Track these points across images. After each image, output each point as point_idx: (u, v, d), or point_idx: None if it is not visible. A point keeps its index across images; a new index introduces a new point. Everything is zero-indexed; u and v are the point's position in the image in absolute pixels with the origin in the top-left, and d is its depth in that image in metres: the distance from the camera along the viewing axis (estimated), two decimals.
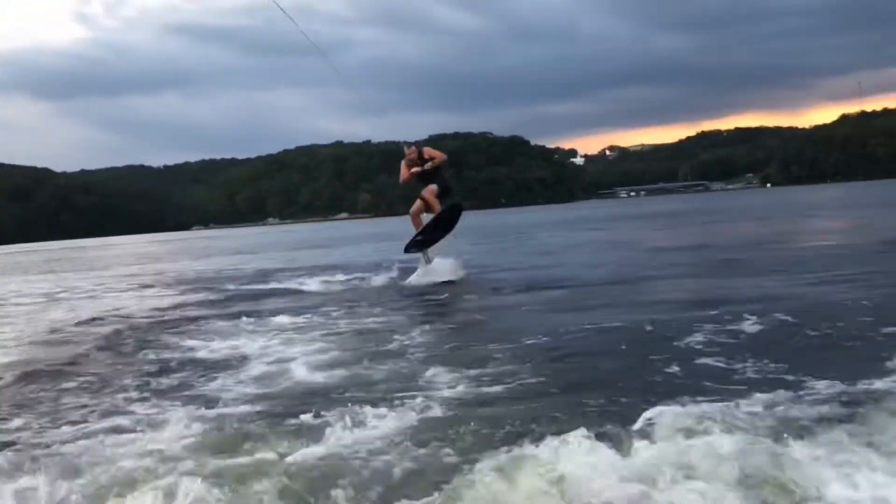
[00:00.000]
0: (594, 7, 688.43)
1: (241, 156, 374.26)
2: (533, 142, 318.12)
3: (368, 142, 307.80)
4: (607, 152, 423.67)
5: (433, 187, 18.02)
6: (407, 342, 10.21)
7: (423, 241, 18.33)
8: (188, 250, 60.17)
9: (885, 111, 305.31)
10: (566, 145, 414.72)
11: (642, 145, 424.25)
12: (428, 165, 18.03)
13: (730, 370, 7.19)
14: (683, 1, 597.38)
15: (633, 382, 6.84)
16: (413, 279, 17.75)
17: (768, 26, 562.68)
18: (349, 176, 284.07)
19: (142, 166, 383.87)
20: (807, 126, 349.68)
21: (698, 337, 8.76)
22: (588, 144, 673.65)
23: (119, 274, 32.39)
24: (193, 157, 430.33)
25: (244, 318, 13.42)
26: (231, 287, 20.66)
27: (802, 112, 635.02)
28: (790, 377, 6.75)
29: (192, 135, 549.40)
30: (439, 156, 18.31)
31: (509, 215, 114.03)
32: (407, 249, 18.70)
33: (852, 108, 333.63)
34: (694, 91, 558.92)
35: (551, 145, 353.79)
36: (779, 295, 11.80)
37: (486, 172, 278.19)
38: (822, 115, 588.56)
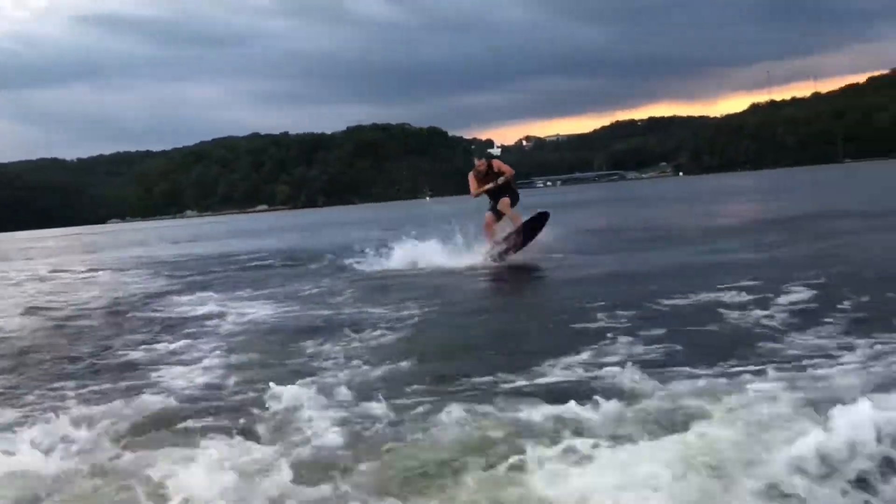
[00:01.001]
0: None
1: (156, 148, 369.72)
2: (451, 133, 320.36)
3: (286, 133, 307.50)
4: (524, 142, 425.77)
5: (507, 200, 18.25)
6: (336, 301, 12.85)
7: (507, 251, 18.09)
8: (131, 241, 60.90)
9: (794, 100, 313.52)
10: (483, 136, 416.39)
11: (558, 135, 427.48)
12: (501, 180, 18.31)
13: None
14: None
15: (528, 344, 8.87)
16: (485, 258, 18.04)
17: (680, 16, 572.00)
18: (267, 167, 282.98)
19: (55, 159, 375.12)
20: (718, 115, 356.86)
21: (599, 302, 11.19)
22: (505, 135, 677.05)
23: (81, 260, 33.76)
24: (107, 150, 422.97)
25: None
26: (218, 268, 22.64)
27: (714, 101, 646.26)
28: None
29: (105, 127, 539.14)
30: (508, 170, 18.66)
31: (429, 205, 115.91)
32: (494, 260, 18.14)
33: (762, 97, 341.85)
34: (608, 81, 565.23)
35: (469, 136, 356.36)
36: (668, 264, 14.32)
37: (405, 163, 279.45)
38: (733, 104, 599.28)
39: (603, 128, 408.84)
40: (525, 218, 18.25)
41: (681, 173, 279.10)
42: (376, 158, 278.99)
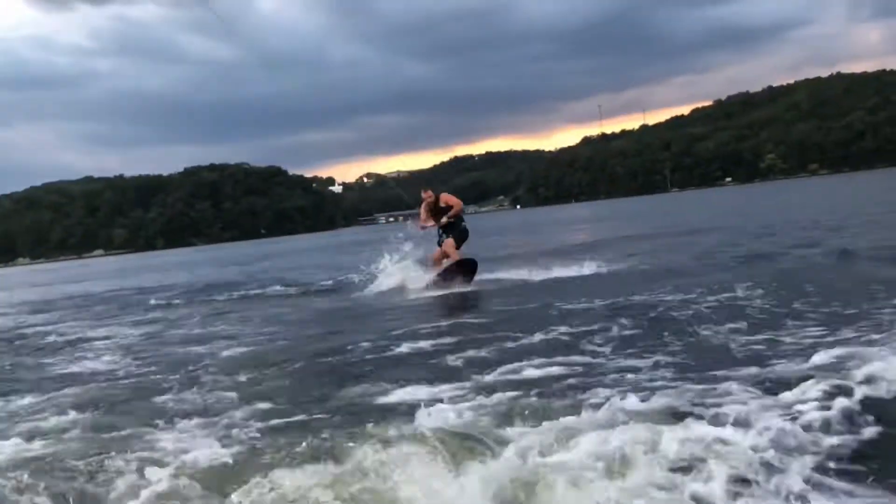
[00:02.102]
0: (344, 35, 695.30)
1: None
2: (291, 171, 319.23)
3: (121, 175, 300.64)
4: (365, 179, 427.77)
5: (451, 241, 19.15)
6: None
7: (445, 281, 19.10)
8: None
9: (623, 132, 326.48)
10: (324, 174, 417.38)
11: (399, 172, 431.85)
12: (448, 217, 19.21)
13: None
14: (431, 28, 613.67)
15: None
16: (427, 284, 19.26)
17: (514, 52, 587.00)
18: (103, 211, 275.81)
19: None
20: (553, 149, 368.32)
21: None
22: (346, 172, 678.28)
23: None
24: None
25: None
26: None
27: (548, 134, 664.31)
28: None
29: None
30: (456, 203, 19.41)
31: (271, 244, 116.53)
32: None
33: (594, 130, 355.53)
34: (446, 117, 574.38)
35: (309, 174, 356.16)
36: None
37: (244, 203, 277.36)
38: (567, 137, 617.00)
39: (443, 163, 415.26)
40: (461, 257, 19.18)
41: (518, 206, 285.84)
42: (215, 199, 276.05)
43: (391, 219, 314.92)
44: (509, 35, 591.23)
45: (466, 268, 19.04)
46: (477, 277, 18.95)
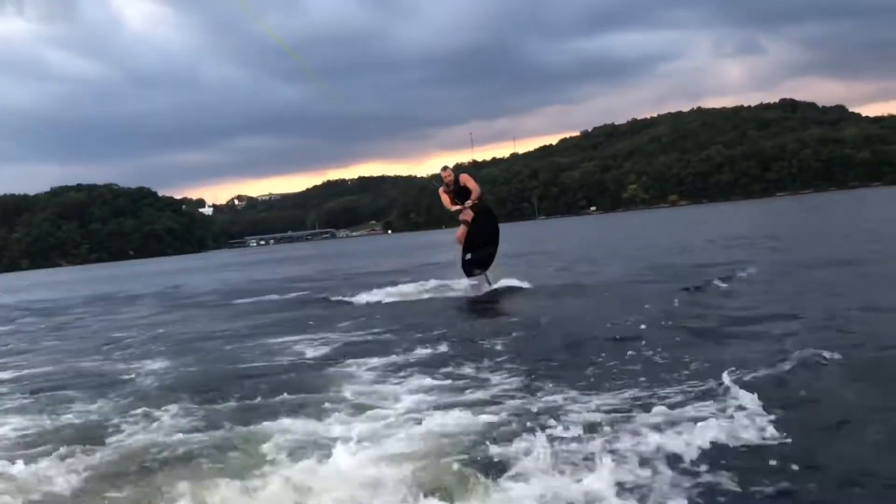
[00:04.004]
0: (215, 55, 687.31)
1: None
2: (161, 192, 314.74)
3: None
4: (236, 202, 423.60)
5: (469, 212, 18.72)
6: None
7: (475, 261, 19.06)
8: None
9: (494, 160, 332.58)
10: (194, 195, 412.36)
11: (270, 194, 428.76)
12: (469, 203, 18.65)
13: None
14: (305, 52, 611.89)
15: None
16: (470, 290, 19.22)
17: (389, 78, 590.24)
18: None
19: None
20: (425, 175, 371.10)
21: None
22: (216, 194, 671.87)
23: None
24: None
25: None
26: None
27: (421, 160, 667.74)
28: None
29: None
30: (474, 188, 18.81)
31: (139, 265, 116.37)
32: (468, 273, 19.20)
33: (466, 157, 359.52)
34: (319, 141, 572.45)
35: (179, 195, 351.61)
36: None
37: (112, 224, 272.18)
38: (439, 163, 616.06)
39: (315, 187, 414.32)
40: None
41: (390, 231, 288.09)
42: (83, 220, 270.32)
43: (262, 242, 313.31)
44: (384, 62, 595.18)
45: (483, 226, 18.94)
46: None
